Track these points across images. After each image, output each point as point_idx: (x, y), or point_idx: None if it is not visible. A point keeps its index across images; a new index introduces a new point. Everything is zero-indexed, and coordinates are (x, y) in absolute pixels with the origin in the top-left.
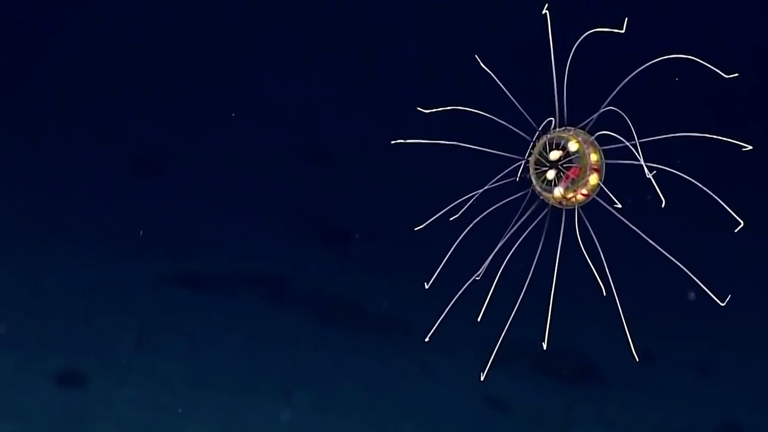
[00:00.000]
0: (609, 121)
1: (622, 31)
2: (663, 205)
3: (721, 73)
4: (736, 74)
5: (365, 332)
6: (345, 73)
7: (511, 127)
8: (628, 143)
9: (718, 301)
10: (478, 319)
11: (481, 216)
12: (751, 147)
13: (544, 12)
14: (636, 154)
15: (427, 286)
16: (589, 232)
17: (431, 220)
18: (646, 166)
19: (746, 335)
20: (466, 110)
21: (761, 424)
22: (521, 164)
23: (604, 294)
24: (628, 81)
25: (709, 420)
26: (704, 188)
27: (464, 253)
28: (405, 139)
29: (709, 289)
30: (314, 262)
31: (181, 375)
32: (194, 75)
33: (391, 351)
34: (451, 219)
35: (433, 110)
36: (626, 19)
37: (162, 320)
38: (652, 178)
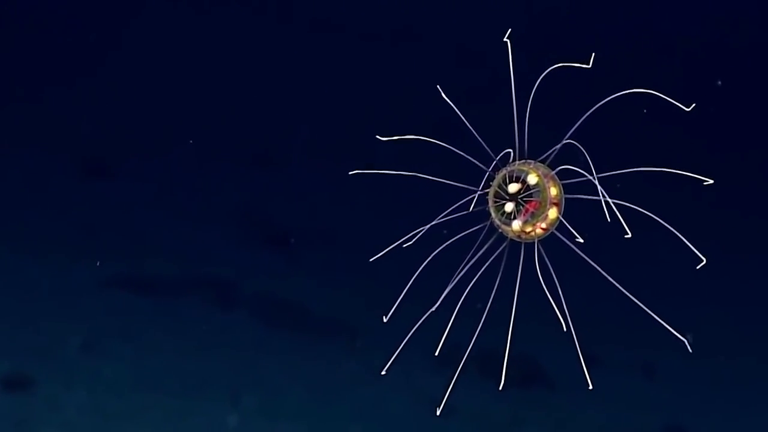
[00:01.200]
0: (573, 154)
1: (588, 66)
2: (628, 237)
3: (681, 106)
4: (694, 104)
5: (312, 335)
6: (293, 77)
7: (468, 157)
8: (588, 176)
9: (679, 337)
10: (436, 353)
11: (437, 250)
12: (712, 181)
13: (505, 40)
14: (595, 188)
15: (385, 320)
16: (548, 265)
17: (386, 251)
18: (605, 201)
19: (672, 298)
20: (424, 139)
21: (704, 426)
22: (475, 196)
23: (564, 330)
24: (590, 114)
25: (654, 422)
26: (666, 224)
27: (421, 278)
28: (363, 170)
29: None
30: (260, 265)
31: (127, 379)
32: (142, 77)
33: (338, 354)
34: (404, 246)
35: (391, 138)
36: (593, 54)
37: (108, 324)
38: (616, 211)
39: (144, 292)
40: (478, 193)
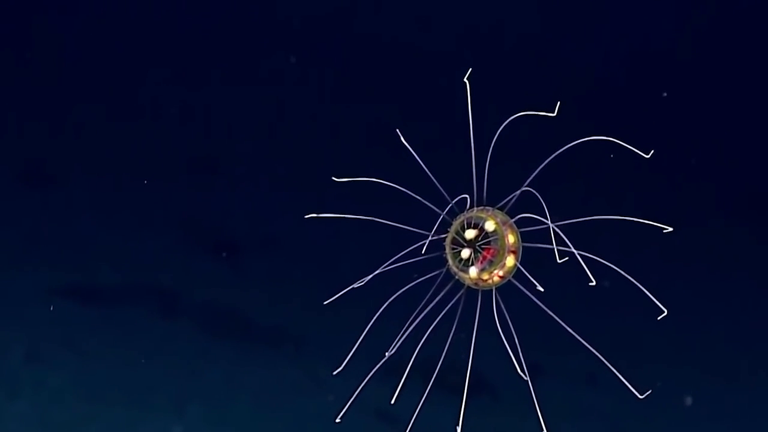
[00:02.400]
0: (533, 202)
1: (553, 114)
2: (593, 284)
3: (641, 153)
4: (653, 151)
5: (257, 345)
6: (242, 84)
7: (425, 202)
8: (549, 224)
9: (637, 394)
10: (392, 402)
11: (392, 298)
12: (671, 228)
13: (465, 80)
14: (553, 236)
15: (335, 372)
16: (505, 314)
17: (340, 294)
18: (562, 249)
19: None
20: (380, 182)
21: None
22: (427, 240)
23: (525, 378)
24: (550, 161)
25: (597, 430)
26: (626, 275)
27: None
28: (318, 213)
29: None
30: (205, 273)
31: (71, 389)
32: (85, 83)
33: (283, 363)
34: (356, 285)
35: (347, 179)
36: (558, 103)
37: (52, 333)
38: (580, 260)
39: (87, 302)
40: (430, 237)
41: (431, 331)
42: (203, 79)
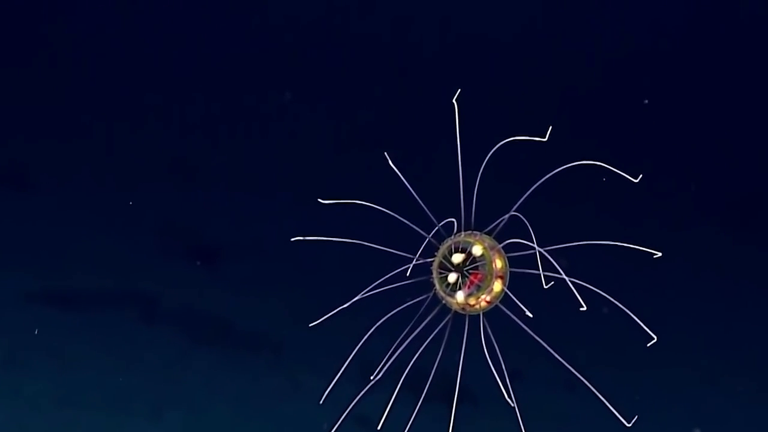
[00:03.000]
0: (523, 226)
1: (545, 139)
2: (583, 309)
3: (629, 177)
4: (641, 175)
5: (236, 350)
6: (222, 90)
7: (412, 225)
8: (537, 249)
9: (624, 423)
10: (378, 427)
11: (380, 322)
12: (660, 254)
13: (454, 101)
14: (539, 261)
15: (320, 401)
16: (492, 340)
17: (325, 317)
18: (550, 275)
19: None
20: (366, 204)
21: None
22: (411, 264)
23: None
24: (539, 185)
25: None
26: (616, 302)
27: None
28: (304, 236)
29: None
30: (184, 279)
31: (49, 395)
32: (64, 88)
33: (262, 369)
34: (340, 308)
35: (333, 201)
36: (550, 127)
37: (30, 339)
38: (571, 285)
39: (66, 307)
40: (415, 260)
41: (419, 349)
42: (182, 85)
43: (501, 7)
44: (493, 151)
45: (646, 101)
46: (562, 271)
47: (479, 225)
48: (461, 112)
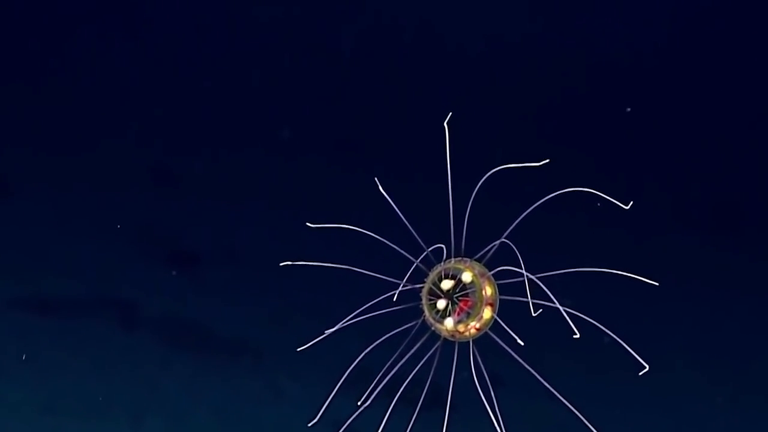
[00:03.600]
0: (516, 253)
1: (538, 164)
2: (577, 337)
3: (620, 204)
4: (632, 202)
5: (216, 356)
6: (202, 96)
7: (400, 250)
8: (526, 276)
9: None
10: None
11: (368, 349)
12: (657, 283)
13: (446, 123)
14: (528, 289)
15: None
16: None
17: (312, 343)
18: (540, 303)
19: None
20: (354, 229)
21: None
22: (398, 289)
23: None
24: (530, 212)
25: None
26: (607, 331)
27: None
28: (293, 261)
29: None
30: (164, 285)
31: (29, 402)
32: (44, 96)
33: (242, 375)
34: (326, 332)
35: (321, 225)
36: (548, 160)
37: (9, 346)
38: (564, 312)
39: (45, 313)
40: (401, 285)
41: (407, 379)
42: (161, 91)
43: (482, 18)
44: (484, 179)
45: (629, 109)
46: (555, 300)
47: (469, 251)
48: (449, 128)
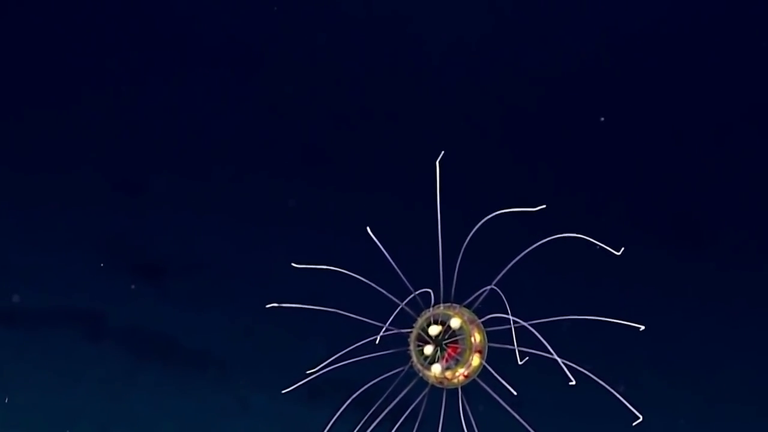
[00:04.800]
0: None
1: (535, 210)
2: (572, 384)
3: (611, 250)
4: (623, 248)
5: (181, 367)
6: (164, 112)
7: (389, 294)
8: (511, 324)
9: None
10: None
11: (355, 395)
12: (643, 327)
13: (437, 162)
14: (514, 336)
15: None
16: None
17: (298, 384)
18: (525, 351)
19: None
20: (341, 271)
21: None
22: (381, 332)
23: None
24: (520, 258)
25: None
26: (600, 381)
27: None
28: (280, 303)
29: None
30: (129, 296)
31: None
32: (12, 105)
33: (208, 387)
34: (308, 373)
35: (306, 266)
36: (544, 206)
37: None
38: (562, 363)
39: (8, 325)
40: (384, 328)
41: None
42: (127, 99)
43: (451, 27)
44: (478, 226)
45: (603, 119)
46: (551, 349)
47: (459, 297)
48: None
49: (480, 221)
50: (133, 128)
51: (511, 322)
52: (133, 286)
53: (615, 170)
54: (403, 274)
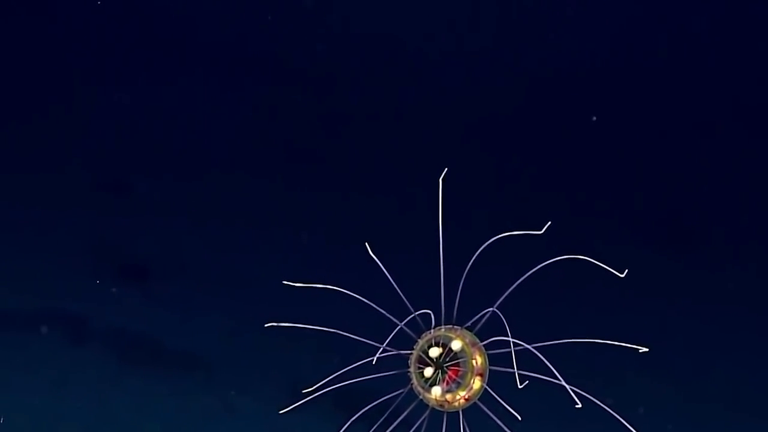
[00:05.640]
0: (510, 322)
1: (540, 232)
2: (579, 407)
3: (615, 272)
4: (627, 270)
5: (167, 370)
6: (149, 115)
7: (386, 313)
8: (511, 348)
9: None
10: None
11: (354, 417)
12: (647, 349)
13: (440, 180)
14: (514, 360)
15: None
16: None
17: (295, 405)
18: (523, 374)
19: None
20: (337, 290)
21: None
22: (378, 352)
23: None
24: (523, 281)
25: None
26: (603, 406)
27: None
28: (278, 322)
29: None
30: (114, 299)
31: None
32: None
33: (193, 389)
34: (304, 391)
35: (302, 285)
36: (549, 223)
37: None
38: (568, 387)
39: None
40: (382, 347)
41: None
42: (112, 102)
43: (444, 32)
44: (483, 247)
45: (595, 118)
46: (556, 372)
47: (461, 319)
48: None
49: (477, 243)
50: (118, 131)
51: (511, 344)
52: (114, 290)
53: (605, 172)
54: (402, 293)
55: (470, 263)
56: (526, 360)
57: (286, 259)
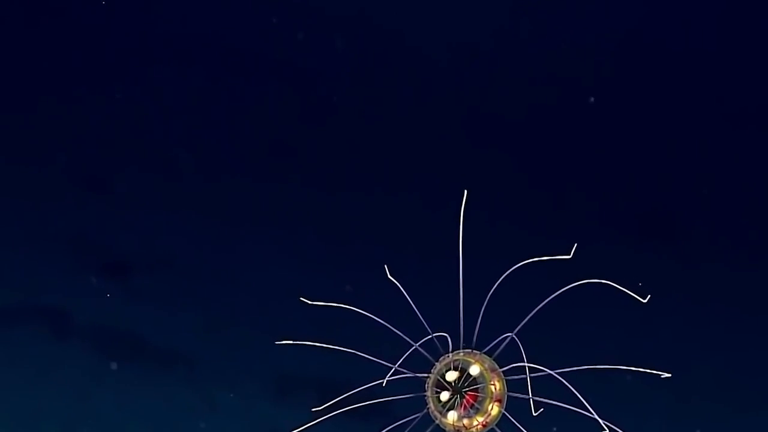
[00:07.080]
0: (528, 348)
1: (569, 257)
2: None
3: (638, 297)
4: (649, 296)
5: (149, 366)
6: (131, 110)
7: (401, 334)
8: (527, 375)
9: None
10: None
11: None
12: (669, 375)
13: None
14: (529, 385)
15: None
16: None
17: (303, 427)
18: (538, 401)
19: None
20: (351, 308)
21: None
22: (390, 373)
23: None
24: (543, 306)
25: None
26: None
27: None
28: (288, 340)
29: None
30: (96, 294)
31: None
32: None
33: (175, 385)
34: (313, 409)
35: (318, 303)
36: (575, 244)
37: None
38: (593, 411)
39: None
40: (394, 368)
41: None
42: (93, 96)
43: (447, 25)
44: (507, 273)
45: (592, 99)
46: (583, 400)
47: (479, 344)
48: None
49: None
50: (99, 126)
51: (527, 370)
52: (96, 285)
53: (587, 167)
54: (418, 315)
55: (493, 288)
56: (549, 386)
57: (269, 255)
